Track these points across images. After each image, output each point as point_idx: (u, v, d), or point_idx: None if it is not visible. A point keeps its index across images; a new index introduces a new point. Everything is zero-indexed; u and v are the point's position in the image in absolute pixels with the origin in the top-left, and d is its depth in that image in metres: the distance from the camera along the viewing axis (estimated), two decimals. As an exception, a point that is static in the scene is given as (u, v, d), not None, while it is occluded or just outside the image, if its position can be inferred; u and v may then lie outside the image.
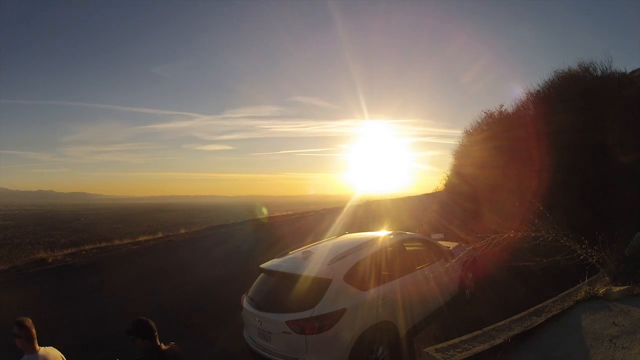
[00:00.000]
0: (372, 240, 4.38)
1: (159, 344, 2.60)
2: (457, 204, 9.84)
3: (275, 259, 4.36)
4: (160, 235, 15.88)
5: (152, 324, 2.59)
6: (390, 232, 4.95)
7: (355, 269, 3.80)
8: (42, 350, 2.72)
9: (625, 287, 3.95)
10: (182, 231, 16.85)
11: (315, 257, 4.08)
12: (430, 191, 17.04)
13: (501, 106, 9.72)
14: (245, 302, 4.01)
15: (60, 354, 2.88)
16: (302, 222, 16.34)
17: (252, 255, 8.50)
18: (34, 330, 2.67)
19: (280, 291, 3.85)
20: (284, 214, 18.64)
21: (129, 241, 14.18)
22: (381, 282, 3.89)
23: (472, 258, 5.63)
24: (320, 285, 3.51)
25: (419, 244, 5.02)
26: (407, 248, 4.68)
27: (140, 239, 14.37)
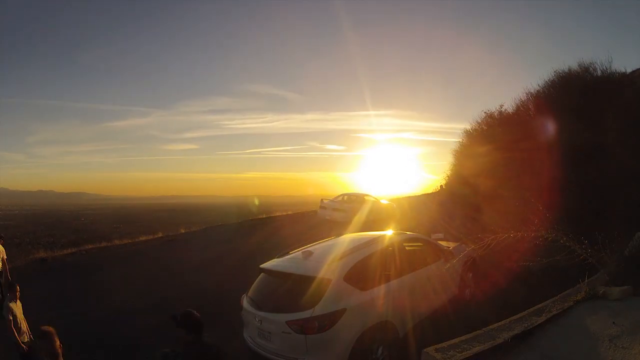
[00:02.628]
0: (372, 240, 4.38)
1: (203, 338, 2.65)
2: (457, 203, 9.84)
3: (275, 259, 4.35)
4: (160, 235, 15.89)
5: (200, 318, 2.68)
6: (391, 232, 4.95)
7: (356, 269, 3.79)
8: None
9: (625, 287, 3.95)
10: (182, 230, 16.86)
11: (315, 257, 4.08)
12: (430, 191, 17.06)
13: (501, 106, 9.74)
14: (245, 302, 4.01)
15: None
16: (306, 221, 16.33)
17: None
18: (58, 343, 2.80)
19: (280, 291, 3.84)
20: (284, 213, 18.64)
21: (129, 241, 14.20)
22: (381, 282, 3.88)
23: (472, 258, 5.63)
24: (320, 285, 3.51)
25: (419, 244, 5.02)
26: (408, 248, 4.68)
27: (141, 238, 14.39)
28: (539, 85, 8.73)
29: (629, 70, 8.26)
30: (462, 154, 10.82)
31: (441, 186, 13.71)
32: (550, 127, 7.50)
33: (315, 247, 4.55)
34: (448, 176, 11.73)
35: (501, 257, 6.41)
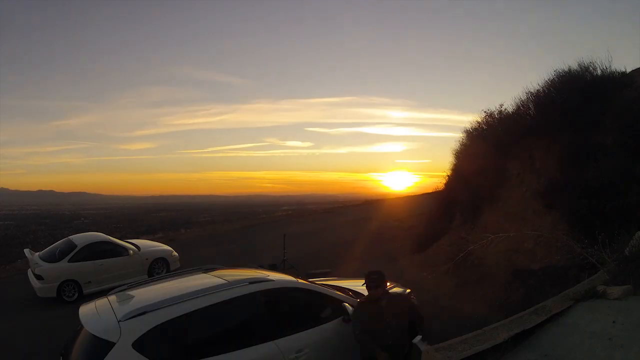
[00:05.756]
0: (215, 288, 3.11)
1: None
2: (457, 203, 9.85)
3: (100, 299, 3.36)
4: (160, 235, 15.91)
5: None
6: (255, 276, 3.53)
7: (161, 330, 2.71)
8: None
9: (625, 286, 3.95)
10: (182, 231, 16.87)
11: (122, 304, 3.09)
12: (430, 191, 17.06)
13: (501, 105, 9.74)
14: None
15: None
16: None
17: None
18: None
19: (72, 348, 2.92)
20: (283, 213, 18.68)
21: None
22: (201, 357, 2.75)
23: (406, 304, 3.58)
24: (98, 350, 2.55)
25: (296, 294, 3.54)
26: (270, 303, 3.36)
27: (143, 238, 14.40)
28: (539, 84, 8.73)
29: (629, 69, 8.25)
30: (463, 153, 10.83)
31: (442, 185, 13.72)
32: (550, 127, 7.50)
33: (148, 287, 3.53)
34: (448, 176, 11.74)
35: (502, 257, 6.42)
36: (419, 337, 3.04)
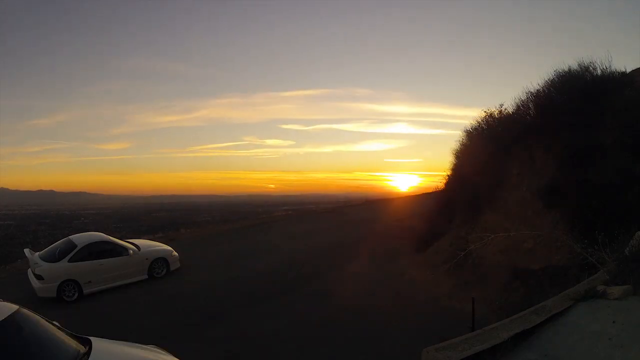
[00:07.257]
0: None
1: None
2: (457, 203, 9.85)
3: None
4: (160, 235, 15.91)
5: None
6: None
7: None
8: None
9: (625, 286, 3.95)
10: (182, 231, 16.88)
11: None
12: (429, 190, 17.07)
13: (501, 105, 9.74)
14: None
15: None
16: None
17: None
18: None
19: None
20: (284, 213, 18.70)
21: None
22: None
23: None
24: None
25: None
26: None
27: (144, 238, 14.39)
28: (539, 84, 8.73)
29: (629, 69, 8.26)
30: (462, 153, 10.84)
31: (441, 185, 13.73)
32: (550, 127, 7.50)
33: None
34: (448, 175, 11.75)
35: (502, 257, 6.42)
36: None
